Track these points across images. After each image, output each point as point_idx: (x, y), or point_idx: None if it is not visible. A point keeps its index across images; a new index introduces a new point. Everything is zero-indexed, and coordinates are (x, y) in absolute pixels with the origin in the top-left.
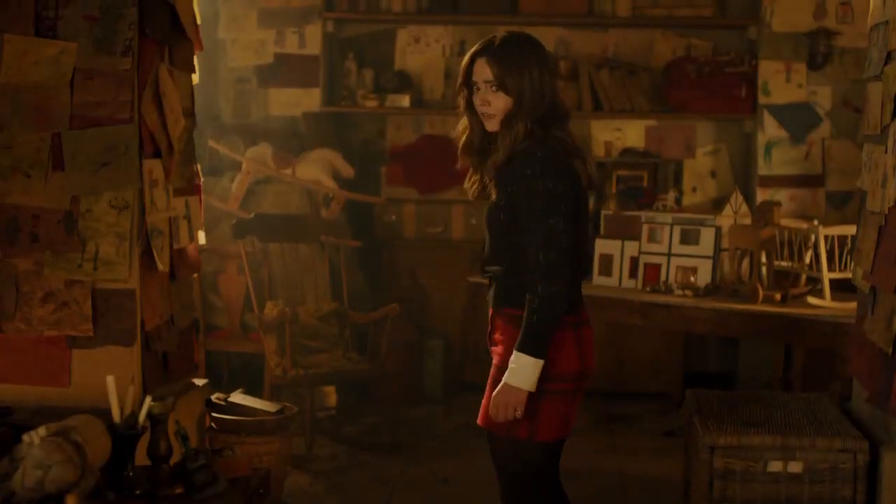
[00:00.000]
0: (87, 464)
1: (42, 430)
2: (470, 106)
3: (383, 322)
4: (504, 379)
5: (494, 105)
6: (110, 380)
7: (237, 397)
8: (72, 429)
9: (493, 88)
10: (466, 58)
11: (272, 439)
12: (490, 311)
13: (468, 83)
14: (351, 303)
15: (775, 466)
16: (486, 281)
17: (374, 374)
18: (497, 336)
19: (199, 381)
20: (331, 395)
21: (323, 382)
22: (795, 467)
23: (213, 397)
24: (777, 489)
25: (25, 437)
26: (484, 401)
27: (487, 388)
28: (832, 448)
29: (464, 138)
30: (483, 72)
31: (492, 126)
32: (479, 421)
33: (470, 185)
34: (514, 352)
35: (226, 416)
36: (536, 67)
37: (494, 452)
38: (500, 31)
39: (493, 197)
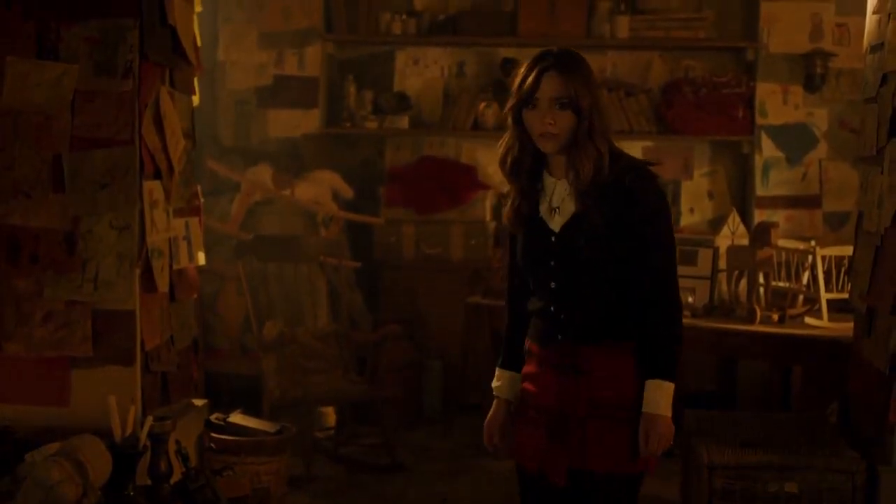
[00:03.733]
0: (88, 483)
1: (44, 450)
2: (519, 123)
3: (382, 342)
4: (653, 411)
5: (560, 124)
6: (112, 400)
7: (236, 417)
8: (74, 448)
9: (558, 106)
10: (532, 73)
11: (271, 459)
12: (575, 346)
13: (527, 100)
14: (350, 323)
15: (774, 486)
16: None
17: (373, 394)
18: (600, 373)
19: (199, 402)
20: (330, 416)
21: (322, 403)
22: (793, 487)
23: (213, 417)
24: None
25: (28, 457)
26: (594, 448)
27: (598, 431)
28: (830, 468)
29: (510, 158)
30: (552, 88)
31: (550, 147)
32: (593, 467)
33: (513, 207)
34: (656, 381)
35: (225, 436)
36: (596, 85)
37: (607, 499)
38: (553, 48)
39: (586, 223)
